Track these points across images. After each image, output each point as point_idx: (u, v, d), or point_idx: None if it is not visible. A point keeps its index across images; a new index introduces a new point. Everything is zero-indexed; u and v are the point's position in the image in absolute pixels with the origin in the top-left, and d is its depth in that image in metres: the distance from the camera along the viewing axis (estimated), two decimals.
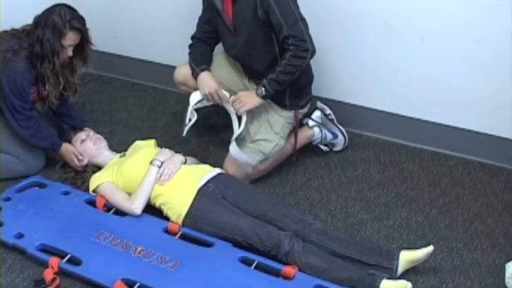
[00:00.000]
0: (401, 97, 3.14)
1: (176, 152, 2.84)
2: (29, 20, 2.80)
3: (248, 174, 2.89)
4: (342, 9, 3.04)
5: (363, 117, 3.27)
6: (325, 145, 3.16)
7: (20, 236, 2.59)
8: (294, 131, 2.99)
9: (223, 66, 3.01)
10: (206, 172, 2.72)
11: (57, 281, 2.42)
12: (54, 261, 2.45)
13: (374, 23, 3.01)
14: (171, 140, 3.21)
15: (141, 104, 3.62)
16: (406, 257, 2.41)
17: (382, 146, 3.22)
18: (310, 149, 3.17)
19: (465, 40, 2.87)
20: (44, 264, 2.47)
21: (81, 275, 2.43)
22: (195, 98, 2.89)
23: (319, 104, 3.15)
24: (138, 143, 3.03)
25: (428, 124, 3.13)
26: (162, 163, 2.73)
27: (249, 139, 2.91)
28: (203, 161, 2.97)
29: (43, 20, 2.73)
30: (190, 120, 2.89)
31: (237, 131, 2.85)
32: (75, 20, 2.74)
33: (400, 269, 2.41)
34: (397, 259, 2.41)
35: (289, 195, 2.91)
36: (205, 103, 2.93)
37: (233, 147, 2.82)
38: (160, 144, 3.02)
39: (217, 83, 2.84)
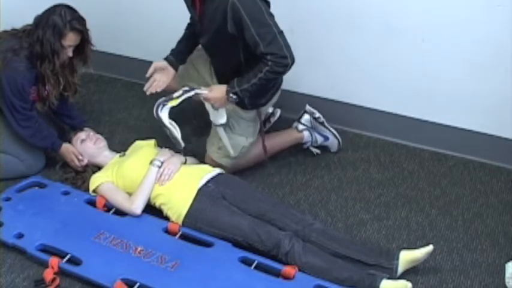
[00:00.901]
0: (401, 97, 3.14)
1: (176, 152, 2.84)
2: (29, 20, 2.80)
3: (228, 169, 2.91)
4: (341, 9, 3.04)
5: (363, 117, 3.27)
6: (317, 147, 3.15)
7: (20, 236, 2.59)
8: (260, 130, 2.95)
9: (199, 62, 3.02)
10: (206, 172, 2.72)
11: (57, 281, 2.42)
12: (54, 261, 2.45)
13: (374, 23, 3.01)
14: (171, 140, 3.20)
15: (141, 104, 3.62)
16: (406, 257, 2.41)
17: (382, 146, 3.22)
18: (309, 149, 3.17)
19: (465, 40, 2.87)
20: (44, 264, 2.47)
21: (81, 275, 2.43)
22: (165, 114, 2.74)
23: (308, 107, 3.13)
24: (138, 143, 3.03)
25: (428, 124, 3.13)
26: (162, 163, 2.73)
27: (216, 145, 2.91)
28: (203, 161, 2.97)
29: (43, 20, 2.73)
30: (171, 132, 2.74)
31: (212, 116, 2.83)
32: (76, 21, 2.74)
33: (400, 269, 2.41)
34: (397, 259, 2.41)
35: (289, 195, 2.91)
36: (183, 96, 2.76)
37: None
38: (160, 144, 3.02)
39: (165, 70, 2.88)
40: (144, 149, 2.89)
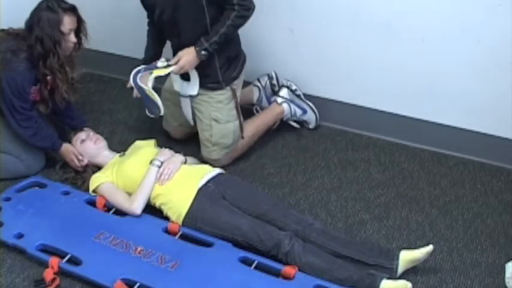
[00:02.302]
0: (401, 97, 3.14)
1: (176, 152, 2.85)
2: None
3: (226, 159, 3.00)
4: (342, 9, 3.04)
5: (363, 117, 3.27)
6: (296, 122, 3.25)
7: (20, 236, 2.59)
8: (236, 108, 2.97)
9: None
10: (206, 172, 2.72)
11: (57, 281, 2.42)
12: (54, 261, 2.45)
13: (374, 23, 3.01)
14: (171, 140, 3.21)
15: (141, 104, 3.57)
16: (406, 257, 2.41)
17: (382, 146, 3.22)
18: (309, 149, 3.18)
19: (465, 40, 2.87)
20: (44, 264, 2.47)
21: (81, 275, 2.43)
22: (151, 83, 2.77)
23: (284, 80, 3.23)
24: (138, 143, 3.03)
25: (428, 124, 3.13)
26: (162, 163, 2.73)
27: (210, 143, 2.94)
28: (203, 161, 2.97)
29: (35, 20, 2.71)
30: (155, 98, 2.77)
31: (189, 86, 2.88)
32: (63, 3, 2.75)
33: (400, 269, 2.41)
34: (397, 259, 2.41)
35: (289, 195, 2.91)
36: (170, 68, 2.79)
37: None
38: (160, 144, 3.02)
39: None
40: (144, 149, 2.89)
